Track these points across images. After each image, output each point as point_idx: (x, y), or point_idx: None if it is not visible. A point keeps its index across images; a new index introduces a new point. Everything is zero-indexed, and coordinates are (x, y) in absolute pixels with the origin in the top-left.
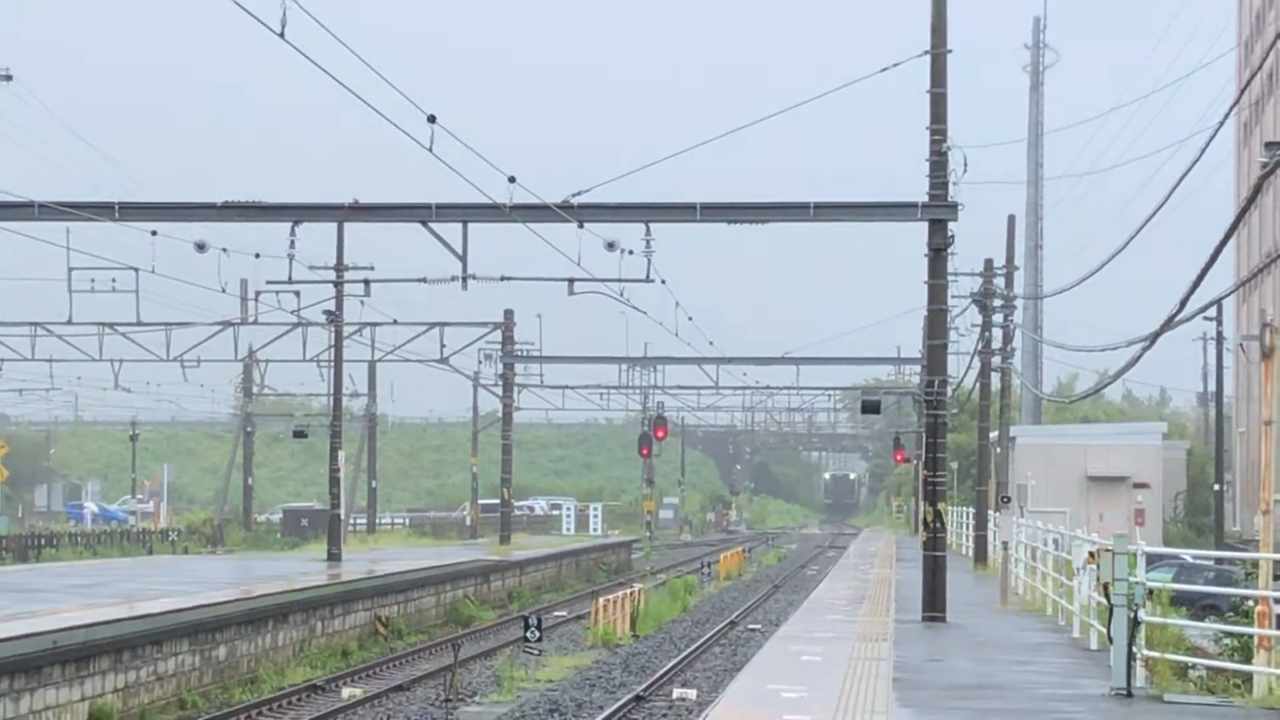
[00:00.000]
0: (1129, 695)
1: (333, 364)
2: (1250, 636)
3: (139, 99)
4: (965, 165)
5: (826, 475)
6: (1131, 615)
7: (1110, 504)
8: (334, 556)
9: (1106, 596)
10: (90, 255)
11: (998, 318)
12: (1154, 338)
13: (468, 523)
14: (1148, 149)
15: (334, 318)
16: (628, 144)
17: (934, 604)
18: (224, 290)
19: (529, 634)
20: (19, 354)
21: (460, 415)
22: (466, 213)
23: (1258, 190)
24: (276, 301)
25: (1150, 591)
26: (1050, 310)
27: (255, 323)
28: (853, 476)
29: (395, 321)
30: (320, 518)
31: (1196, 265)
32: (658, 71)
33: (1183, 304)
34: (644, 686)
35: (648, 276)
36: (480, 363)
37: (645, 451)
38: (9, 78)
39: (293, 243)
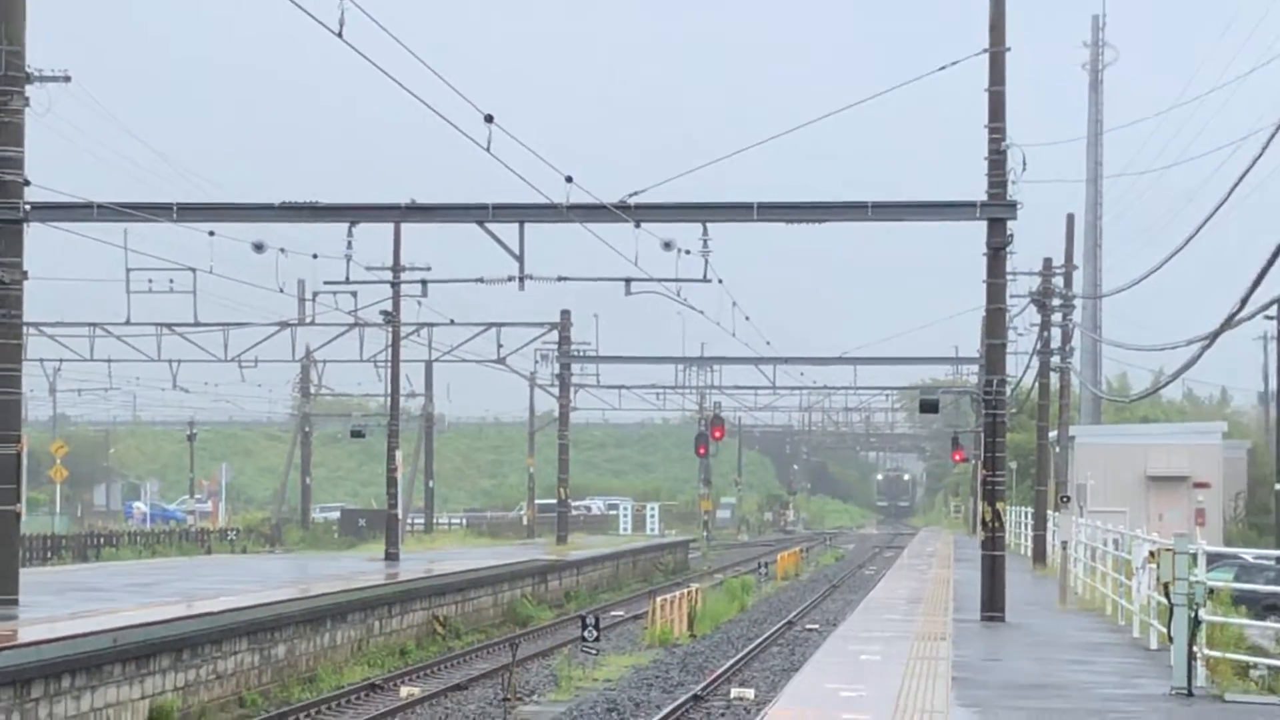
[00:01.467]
0: (1189, 695)
1: (390, 364)
2: None
3: (196, 101)
4: (1024, 164)
5: (879, 475)
6: (1192, 615)
7: (1170, 504)
8: (391, 556)
9: (1167, 596)
10: (148, 256)
11: (1057, 317)
12: (1214, 336)
13: (525, 523)
14: (1208, 147)
15: (391, 318)
16: (684, 146)
17: (993, 603)
18: (281, 291)
19: (586, 633)
20: (78, 354)
21: (517, 415)
22: (523, 213)
23: None
24: (334, 302)
25: (1211, 591)
26: (1110, 308)
27: (313, 323)
28: (907, 477)
29: (452, 322)
30: (378, 518)
31: (1258, 263)
32: (711, 75)
33: (1243, 302)
34: (702, 686)
35: (704, 276)
36: (537, 363)
37: (702, 451)
38: (68, 79)
39: (350, 243)
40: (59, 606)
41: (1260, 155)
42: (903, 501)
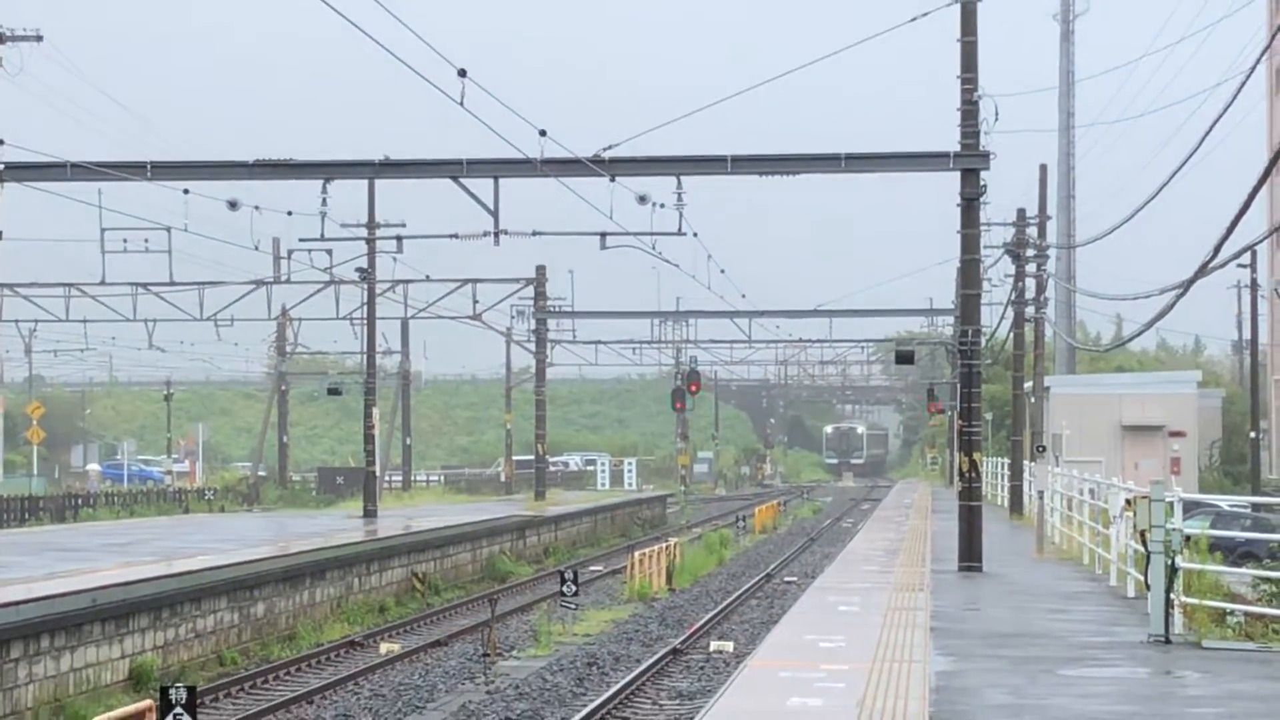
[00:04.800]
0: (1167, 642)
1: (365, 321)
2: None
3: (170, 60)
4: (996, 114)
5: (827, 429)
6: (1169, 562)
7: (1145, 453)
8: (370, 513)
9: (1143, 544)
10: (123, 215)
11: (1031, 267)
12: (1187, 285)
13: (502, 479)
14: (1179, 96)
15: (366, 275)
16: (658, 98)
17: (970, 554)
18: (257, 249)
19: (565, 588)
20: (54, 315)
21: (494, 372)
22: (498, 168)
23: None
24: (309, 260)
25: (1187, 538)
26: (1084, 259)
27: (288, 281)
28: (860, 429)
29: (428, 278)
30: (355, 475)
31: (1230, 212)
32: (682, 25)
33: (1216, 250)
34: (681, 639)
35: (679, 230)
36: (513, 319)
37: (679, 406)
38: (39, 38)
39: (324, 200)
40: (36, 567)
41: (1230, 103)
42: (855, 457)
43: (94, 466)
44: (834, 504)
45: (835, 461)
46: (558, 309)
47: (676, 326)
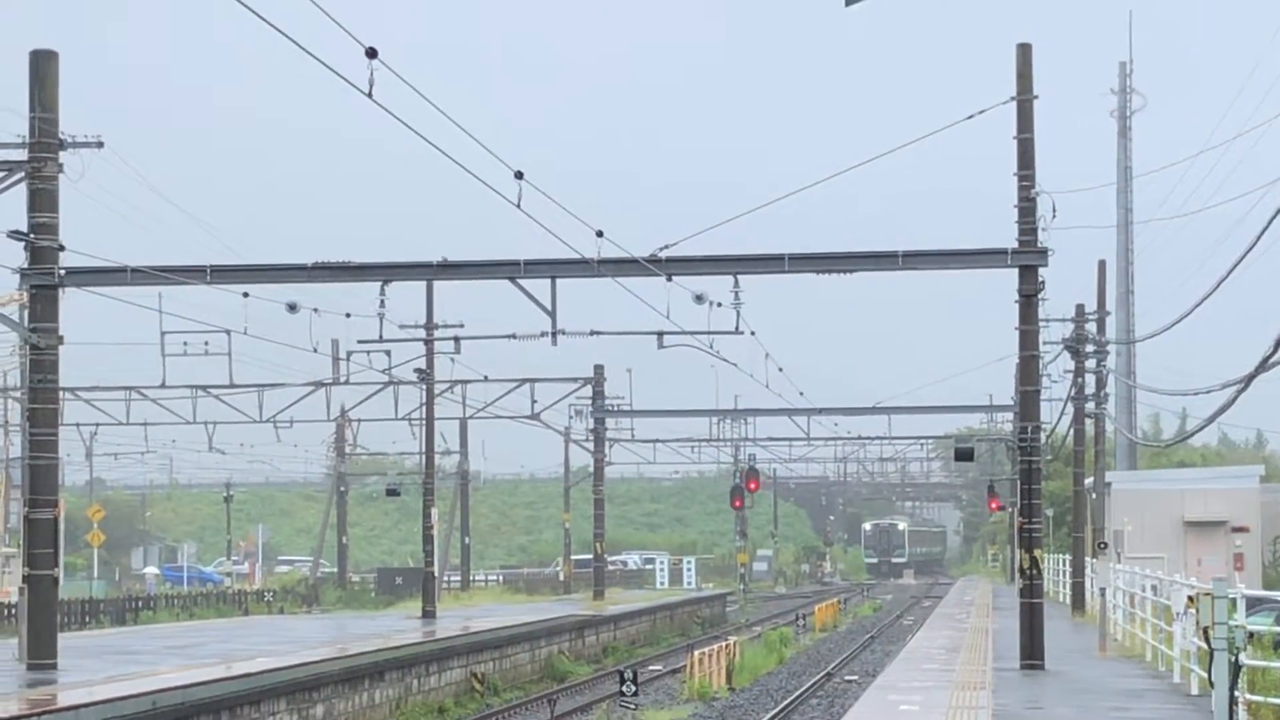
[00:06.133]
0: None
1: (424, 422)
2: None
3: (231, 165)
4: (1054, 210)
5: (866, 526)
6: (1233, 659)
7: (1208, 549)
8: (429, 614)
9: (1207, 641)
10: (183, 319)
11: (1090, 363)
12: (1249, 380)
13: (561, 578)
14: (1239, 190)
15: (425, 376)
16: (714, 198)
17: (1032, 651)
18: (315, 350)
19: (625, 688)
20: (114, 418)
21: (552, 471)
22: (555, 268)
23: None
24: (368, 361)
25: (1251, 635)
26: (1143, 353)
27: (347, 382)
28: (901, 526)
29: (486, 378)
30: (414, 575)
31: None
32: (739, 128)
33: (1277, 345)
34: None
35: (737, 328)
36: (571, 418)
37: (738, 504)
38: (100, 144)
39: (383, 302)
40: (97, 670)
41: None
42: (896, 557)
43: (152, 569)
44: (894, 602)
45: (875, 561)
46: (616, 408)
47: (735, 424)
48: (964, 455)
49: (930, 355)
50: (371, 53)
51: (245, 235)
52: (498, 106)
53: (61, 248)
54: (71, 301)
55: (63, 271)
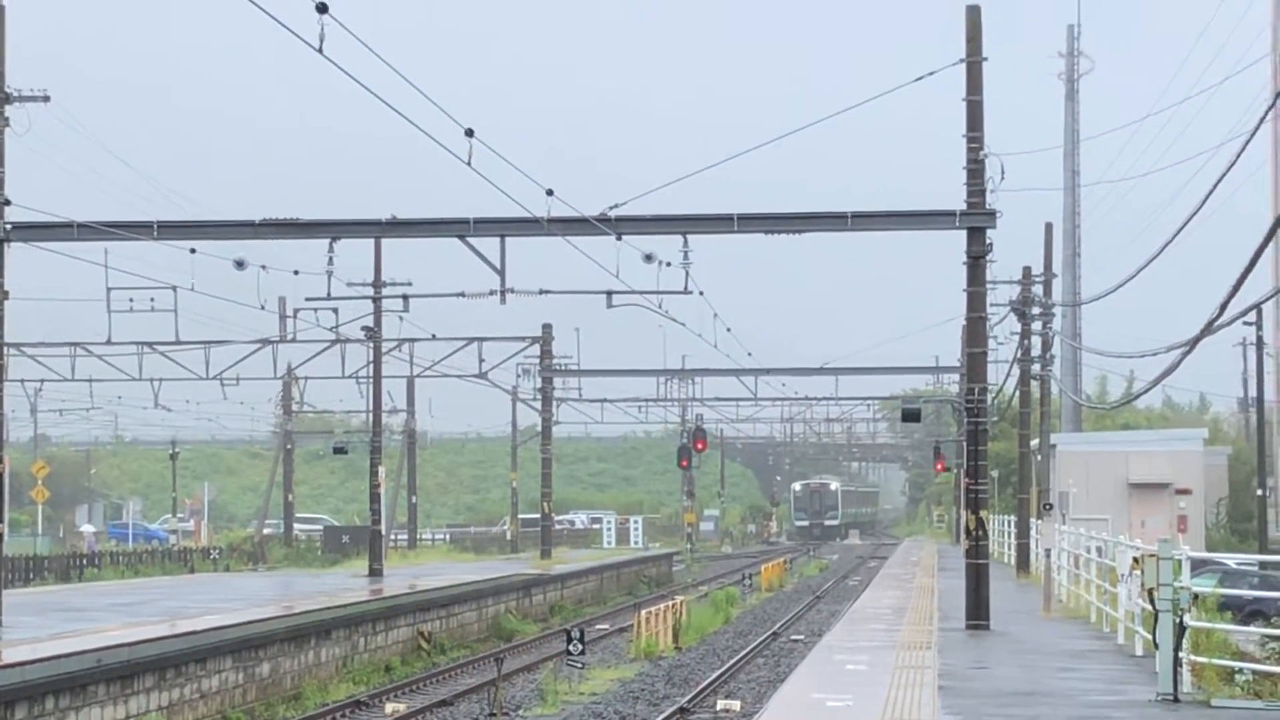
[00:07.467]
0: (1176, 701)
1: (372, 380)
2: None
3: (177, 120)
4: (1002, 173)
5: (795, 486)
6: (1177, 620)
7: (1152, 510)
8: (375, 572)
9: (1151, 602)
10: (129, 274)
11: (1036, 325)
12: (1194, 342)
13: (508, 537)
14: (1184, 155)
15: (373, 334)
16: (664, 158)
17: (977, 612)
18: (263, 307)
19: (571, 647)
20: (59, 374)
21: (499, 430)
22: (504, 226)
23: None
24: (315, 318)
25: (1195, 596)
26: (1089, 316)
27: (294, 340)
28: (834, 486)
29: (434, 337)
30: (361, 534)
31: (1236, 270)
32: (690, 86)
33: (1222, 308)
34: (688, 698)
35: (685, 288)
36: (519, 377)
37: (685, 464)
38: (47, 99)
39: (331, 259)
40: (42, 627)
41: (1233, 163)
42: (829, 519)
43: (89, 527)
44: (840, 562)
45: (806, 523)
46: (564, 367)
47: (682, 384)
48: (911, 416)
49: (877, 317)
50: (322, 8)
51: (192, 192)
52: (449, 65)
53: (7, 202)
54: (17, 256)
55: (8, 226)
